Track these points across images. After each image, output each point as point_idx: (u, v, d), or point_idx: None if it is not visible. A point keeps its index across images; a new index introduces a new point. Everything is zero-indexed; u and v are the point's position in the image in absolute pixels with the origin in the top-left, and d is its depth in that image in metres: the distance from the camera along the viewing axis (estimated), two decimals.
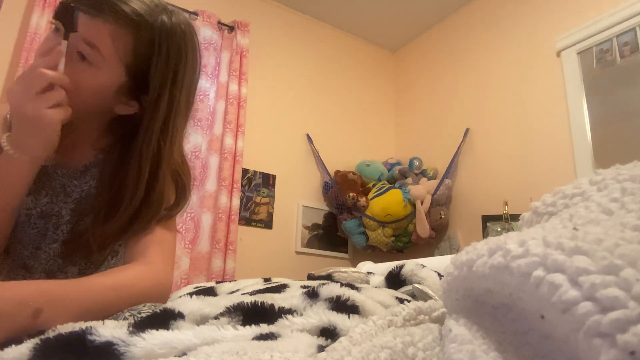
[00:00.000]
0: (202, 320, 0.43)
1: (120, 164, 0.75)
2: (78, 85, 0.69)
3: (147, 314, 0.49)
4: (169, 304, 0.46)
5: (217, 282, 0.85)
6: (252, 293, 0.59)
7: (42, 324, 0.47)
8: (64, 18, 0.69)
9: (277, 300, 0.46)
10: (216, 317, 0.43)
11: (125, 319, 0.68)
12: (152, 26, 0.71)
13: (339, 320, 0.42)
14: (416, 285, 0.76)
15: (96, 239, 0.72)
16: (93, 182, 0.79)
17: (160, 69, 0.72)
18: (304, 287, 0.62)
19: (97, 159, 0.81)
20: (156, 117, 0.73)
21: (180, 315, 0.42)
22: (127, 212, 0.71)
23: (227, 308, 0.43)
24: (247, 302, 0.43)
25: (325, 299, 0.46)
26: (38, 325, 0.47)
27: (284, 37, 3.00)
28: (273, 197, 2.68)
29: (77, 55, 0.69)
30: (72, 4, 0.69)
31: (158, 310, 0.43)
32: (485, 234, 2.36)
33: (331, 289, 0.48)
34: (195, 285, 0.87)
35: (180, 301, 0.46)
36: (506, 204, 2.21)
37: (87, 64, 0.69)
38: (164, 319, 0.41)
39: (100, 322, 0.43)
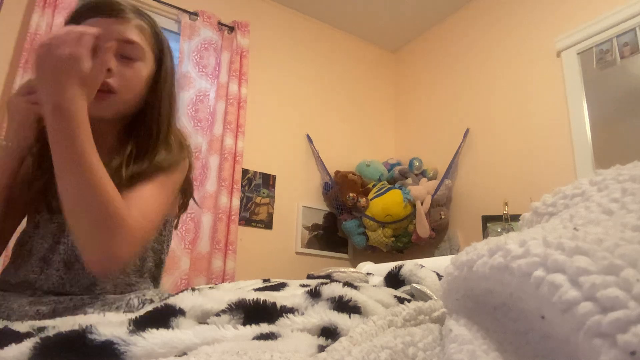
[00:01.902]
0: (203, 316, 0.43)
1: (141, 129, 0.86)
2: (132, 81, 0.81)
3: (148, 307, 0.49)
4: (170, 300, 0.46)
5: (216, 285, 0.85)
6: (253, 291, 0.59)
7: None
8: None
9: (279, 298, 0.46)
10: (217, 314, 0.42)
11: (129, 300, 0.68)
12: (147, 16, 0.87)
13: (340, 320, 0.42)
14: (415, 285, 0.76)
15: (128, 174, 0.78)
16: None
17: (159, 46, 0.87)
18: (304, 285, 0.62)
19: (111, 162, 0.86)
20: (166, 81, 0.87)
21: (180, 312, 0.42)
22: (151, 155, 0.82)
23: (229, 305, 0.43)
24: (249, 300, 0.43)
25: (327, 299, 0.46)
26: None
27: (284, 38, 3.00)
28: (273, 197, 2.68)
29: (120, 56, 0.79)
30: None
31: (159, 306, 0.43)
32: (485, 235, 2.36)
33: (333, 289, 0.48)
34: (194, 287, 0.87)
35: (182, 296, 0.46)
36: (506, 204, 2.21)
37: (132, 61, 0.81)
38: (165, 316, 0.41)
39: (101, 320, 0.43)
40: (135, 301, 0.77)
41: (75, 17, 0.81)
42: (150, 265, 0.89)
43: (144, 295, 0.80)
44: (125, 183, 0.77)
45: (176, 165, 0.85)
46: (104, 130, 0.88)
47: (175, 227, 1.00)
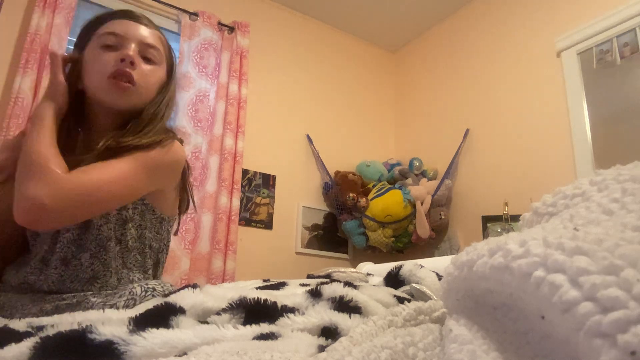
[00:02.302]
0: (203, 314, 0.43)
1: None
2: (150, 81, 0.88)
3: (150, 301, 0.49)
4: (171, 297, 0.46)
5: (216, 285, 0.85)
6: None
7: None
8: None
9: (280, 297, 0.46)
10: (218, 313, 0.42)
11: (132, 289, 0.68)
12: (161, 31, 0.96)
13: (340, 319, 0.42)
14: (414, 285, 0.76)
15: (107, 142, 0.82)
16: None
17: (171, 57, 0.96)
18: (303, 284, 0.62)
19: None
20: (173, 90, 0.95)
21: (181, 311, 0.42)
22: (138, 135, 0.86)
23: (230, 304, 0.43)
24: (250, 299, 0.43)
25: (328, 299, 0.46)
26: None
27: (284, 38, 3.00)
28: (273, 197, 2.68)
29: (142, 60, 0.87)
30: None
31: (160, 304, 0.43)
32: (485, 235, 2.36)
33: (334, 289, 0.48)
34: (195, 284, 0.87)
35: (182, 294, 0.46)
36: (506, 204, 2.21)
37: (151, 64, 0.89)
38: (165, 315, 0.41)
39: (101, 318, 0.43)
40: (138, 289, 0.77)
41: (101, 19, 0.90)
42: (150, 263, 0.89)
43: (147, 284, 0.80)
44: (101, 154, 0.79)
45: (157, 143, 0.84)
46: (102, 127, 0.89)
47: (175, 234, 1.00)
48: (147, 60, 0.88)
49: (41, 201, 0.68)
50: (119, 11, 0.91)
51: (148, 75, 0.88)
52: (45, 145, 0.74)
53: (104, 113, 0.88)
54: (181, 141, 0.94)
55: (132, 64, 0.84)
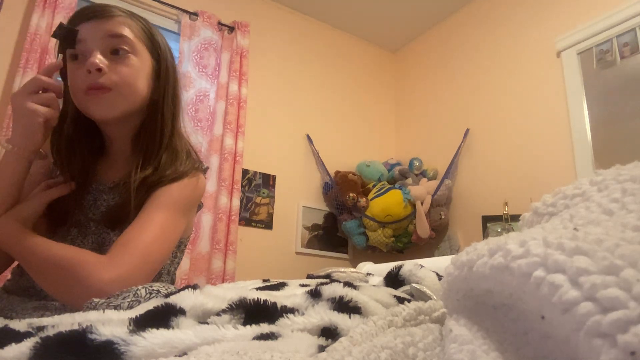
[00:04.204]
0: (203, 315, 0.43)
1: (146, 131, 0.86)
2: (131, 73, 0.80)
3: (152, 302, 0.49)
4: (171, 298, 0.46)
5: (216, 285, 0.85)
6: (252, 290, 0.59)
7: None
8: (62, 36, 0.78)
9: (280, 298, 0.46)
10: (218, 314, 0.43)
11: (137, 290, 0.68)
12: (139, 17, 0.87)
13: (340, 320, 0.42)
14: (414, 285, 0.76)
15: (135, 184, 0.79)
16: (118, 198, 0.83)
17: (153, 42, 0.86)
18: (303, 285, 0.62)
19: (126, 178, 0.85)
20: (167, 78, 0.87)
21: (181, 312, 0.42)
22: (155, 160, 0.83)
23: (230, 305, 0.43)
24: (250, 300, 0.43)
25: (328, 299, 0.46)
26: None
27: (284, 38, 3.00)
28: (273, 197, 2.68)
29: (110, 54, 0.79)
30: (66, 25, 0.79)
31: (160, 305, 0.43)
32: (485, 235, 2.36)
33: (334, 289, 0.48)
34: (195, 285, 0.88)
35: (182, 295, 0.46)
36: (506, 204, 2.21)
37: (123, 54, 0.80)
38: (165, 316, 0.41)
39: (101, 319, 0.43)
40: (143, 291, 0.76)
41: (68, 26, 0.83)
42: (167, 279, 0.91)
43: (151, 286, 0.79)
44: (136, 194, 0.78)
45: (186, 173, 0.84)
46: (119, 144, 0.88)
47: None
48: (117, 53, 0.79)
49: (103, 294, 0.65)
50: (79, 13, 0.82)
51: (122, 71, 0.79)
52: (58, 247, 0.69)
53: (111, 128, 0.86)
54: (206, 169, 0.93)
55: (99, 70, 0.76)
